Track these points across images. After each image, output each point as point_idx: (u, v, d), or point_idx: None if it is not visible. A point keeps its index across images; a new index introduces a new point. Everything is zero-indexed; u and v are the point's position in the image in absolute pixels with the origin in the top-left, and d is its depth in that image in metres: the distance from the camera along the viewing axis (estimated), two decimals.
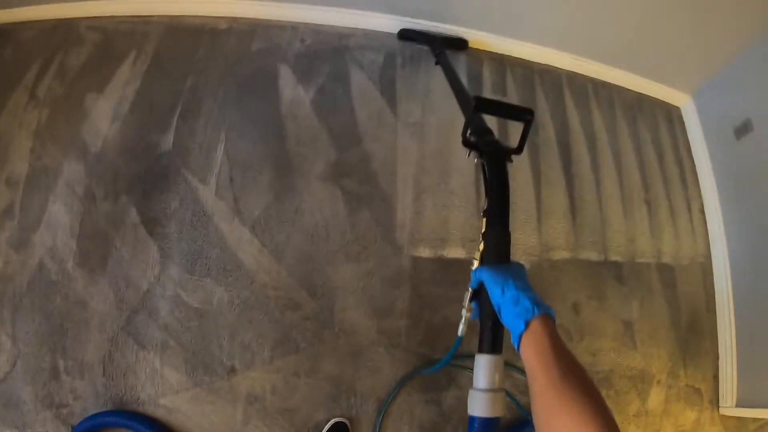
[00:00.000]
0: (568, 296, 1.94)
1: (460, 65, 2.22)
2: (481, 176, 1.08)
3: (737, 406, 2.02)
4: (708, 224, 2.30)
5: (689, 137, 2.45)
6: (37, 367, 1.60)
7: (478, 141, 1.10)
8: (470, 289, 0.84)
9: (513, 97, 2.24)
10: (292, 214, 1.81)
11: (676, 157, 2.37)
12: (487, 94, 2.21)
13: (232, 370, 1.62)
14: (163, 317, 1.66)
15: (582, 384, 0.60)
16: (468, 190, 1.97)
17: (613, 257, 2.07)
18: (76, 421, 1.54)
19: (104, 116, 1.91)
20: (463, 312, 0.85)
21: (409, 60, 2.19)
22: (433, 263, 1.83)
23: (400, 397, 1.66)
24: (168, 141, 1.88)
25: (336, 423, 1.58)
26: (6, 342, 1.62)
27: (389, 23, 2.18)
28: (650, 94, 2.46)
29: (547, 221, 2.03)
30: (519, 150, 1.08)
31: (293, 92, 2.01)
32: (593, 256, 2.04)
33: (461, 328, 0.86)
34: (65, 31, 2.08)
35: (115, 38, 2.05)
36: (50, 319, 1.65)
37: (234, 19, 2.12)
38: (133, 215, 1.77)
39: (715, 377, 2.07)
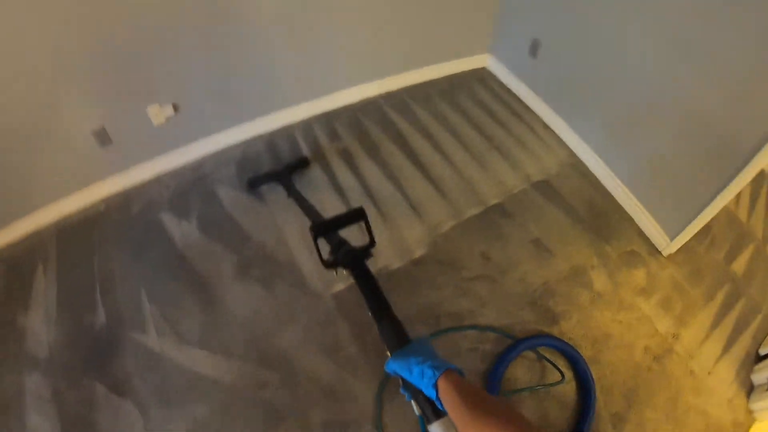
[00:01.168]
0: (473, 251, 2.26)
1: (298, 142, 2.63)
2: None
3: (672, 239, 2.32)
4: (557, 133, 2.71)
5: (502, 81, 2.94)
6: None
7: (336, 257, 1.22)
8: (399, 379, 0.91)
9: (345, 138, 2.65)
10: (225, 317, 2.06)
11: (501, 102, 2.83)
12: (327, 148, 2.61)
13: None
14: None
15: (491, 410, 0.68)
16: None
17: (492, 202, 2.43)
18: None
19: (40, 325, 2.11)
20: (406, 398, 0.90)
21: (254, 157, 2.59)
22: (350, 290, 2.14)
23: (385, 408, 1.87)
24: (101, 316, 2.10)
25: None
26: None
27: (226, 139, 2.60)
28: (456, 72, 2.95)
29: (421, 209, 2.39)
30: (372, 242, 1.23)
31: (180, 229, 2.32)
32: (474, 210, 2.40)
33: (415, 409, 0.88)
34: None
35: (18, 262, 2.28)
36: None
37: (107, 198, 2.44)
38: (100, 389, 1.93)
39: (641, 234, 2.37)
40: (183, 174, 2.51)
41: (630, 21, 2.23)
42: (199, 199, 2.43)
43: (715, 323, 2.26)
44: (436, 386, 0.78)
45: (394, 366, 0.89)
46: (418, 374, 0.82)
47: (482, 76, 3.00)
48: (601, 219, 2.47)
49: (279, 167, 2.37)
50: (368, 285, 1.08)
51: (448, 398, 0.75)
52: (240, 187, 2.46)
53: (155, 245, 2.29)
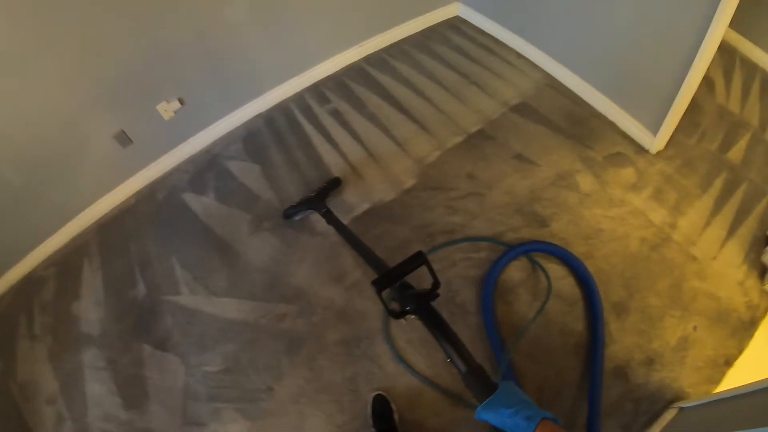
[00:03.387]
0: (459, 174, 2.39)
1: (294, 112, 2.88)
2: None
3: (656, 135, 2.33)
4: (531, 59, 2.82)
5: (473, 23, 3.11)
6: None
7: (402, 305, 1.18)
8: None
9: (334, 101, 2.88)
10: (246, 267, 2.28)
11: (476, 44, 2.99)
12: (319, 112, 2.85)
13: (270, 390, 1.95)
14: (204, 393, 2.00)
15: None
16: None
17: (472, 129, 2.56)
18: None
19: (91, 309, 2.36)
20: None
21: (256, 133, 2.85)
22: (353, 223, 2.31)
23: (391, 320, 2.02)
24: (141, 289, 2.35)
25: (376, 397, 1.85)
26: None
27: (230, 122, 2.86)
28: (428, 24, 3.14)
29: (408, 146, 2.56)
30: (437, 284, 1.18)
31: (201, 203, 2.58)
32: (457, 139, 2.54)
33: None
34: (28, 282, 2.56)
35: (67, 261, 2.59)
36: None
37: (137, 192, 2.74)
38: (147, 349, 2.16)
39: (624, 135, 2.41)
40: (197, 158, 2.79)
41: None
42: (214, 176, 2.69)
43: (716, 210, 2.25)
44: None
45: (486, 416, 0.88)
46: (512, 426, 0.81)
47: (454, 23, 3.17)
48: (582, 126, 2.53)
49: (312, 194, 2.35)
50: (441, 330, 1.03)
51: None
52: (247, 157, 2.72)
53: (181, 222, 2.55)
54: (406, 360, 1.94)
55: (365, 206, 2.37)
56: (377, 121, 2.71)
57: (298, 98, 2.95)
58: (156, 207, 2.65)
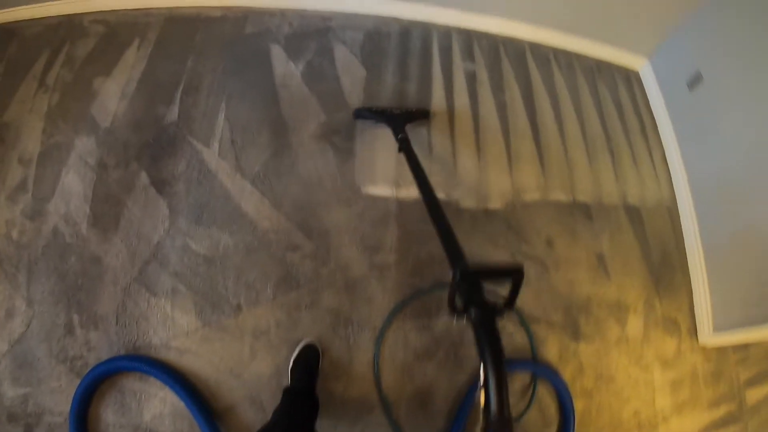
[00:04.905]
0: (542, 232, 2.11)
1: (432, 43, 2.46)
2: None
3: (715, 331, 2.14)
4: (671, 171, 2.48)
5: (648, 95, 2.69)
6: (51, 324, 1.69)
7: (467, 309, 1.03)
8: None
9: (480, 66, 2.46)
10: (289, 168, 1.98)
11: (636, 112, 2.60)
12: (458, 63, 2.44)
13: (239, 308, 1.75)
14: (173, 265, 1.79)
15: None
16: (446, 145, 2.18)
17: (581, 198, 2.25)
18: None
19: (112, 95, 2.08)
20: None
21: (384, 36, 2.44)
22: (419, 204, 1.98)
23: (394, 324, 1.80)
24: (173, 113, 2.05)
25: (306, 345, 1.70)
26: (21, 305, 1.71)
27: (365, 4, 2.44)
28: (609, 60, 2.71)
29: (517, 166, 2.22)
30: (510, 306, 1.05)
31: (285, 67, 2.22)
32: (562, 197, 2.22)
33: None
34: (69, 26, 2.26)
35: (118, 29, 2.25)
36: (65, 278, 1.75)
37: (227, 8, 2.35)
38: (144, 178, 1.92)
39: (691, 309, 2.21)
40: (310, 18, 2.40)
41: None
42: (315, 48, 2.31)
43: (707, 428, 2.09)
44: None
45: None
46: None
47: (629, 76, 2.74)
48: (667, 271, 2.27)
49: (397, 110, 2.12)
50: (494, 349, 0.91)
51: None
52: (359, 54, 2.34)
53: (254, 71, 2.21)
54: (379, 371, 1.75)
55: (440, 195, 2.03)
56: (503, 115, 2.35)
57: (445, 32, 2.53)
58: (238, 37, 2.30)
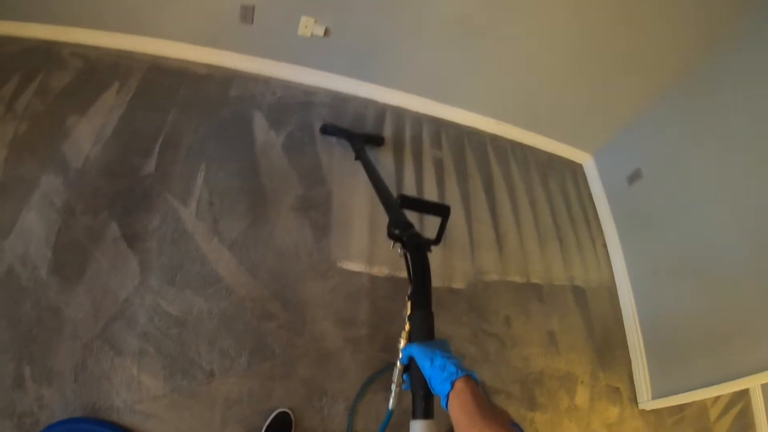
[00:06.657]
0: (500, 311, 2.32)
1: (405, 125, 2.67)
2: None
3: (653, 398, 2.42)
4: (610, 256, 2.84)
5: (590, 187, 3.09)
6: None
7: (402, 234, 1.19)
8: (400, 365, 0.87)
9: (446, 153, 2.70)
10: (267, 238, 2.03)
11: (580, 204, 2.98)
12: (427, 149, 2.66)
13: (211, 375, 1.71)
14: (141, 325, 1.72)
15: (500, 421, 0.67)
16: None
17: (534, 280, 2.52)
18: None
19: (86, 137, 2.00)
20: (393, 386, 0.87)
21: (360, 115, 2.60)
22: (389, 280, 2.13)
23: (366, 397, 1.86)
24: (150, 165, 2.02)
25: (279, 413, 1.71)
26: None
27: (348, 86, 2.60)
28: (558, 154, 3.10)
29: (478, 251, 2.44)
30: (437, 241, 1.21)
31: (266, 136, 2.28)
32: (518, 278, 2.48)
33: (392, 401, 0.87)
34: (47, 53, 2.16)
35: (98, 67, 2.18)
36: (17, 325, 1.61)
37: (213, 67, 2.37)
38: (114, 230, 1.85)
39: (631, 378, 2.48)
40: (294, 90, 2.49)
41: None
42: (297, 121, 2.40)
43: None
44: (452, 383, 0.73)
45: (416, 350, 0.83)
46: (440, 366, 0.77)
47: (575, 170, 3.14)
48: (608, 347, 2.57)
49: (357, 131, 2.37)
50: (422, 273, 1.04)
51: (463, 399, 0.71)
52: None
53: (236, 135, 2.24)
54: None
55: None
56: (467, 203, 2.58)
57: (417, 119, 2.77)
58: (222, 98, 2.33)
